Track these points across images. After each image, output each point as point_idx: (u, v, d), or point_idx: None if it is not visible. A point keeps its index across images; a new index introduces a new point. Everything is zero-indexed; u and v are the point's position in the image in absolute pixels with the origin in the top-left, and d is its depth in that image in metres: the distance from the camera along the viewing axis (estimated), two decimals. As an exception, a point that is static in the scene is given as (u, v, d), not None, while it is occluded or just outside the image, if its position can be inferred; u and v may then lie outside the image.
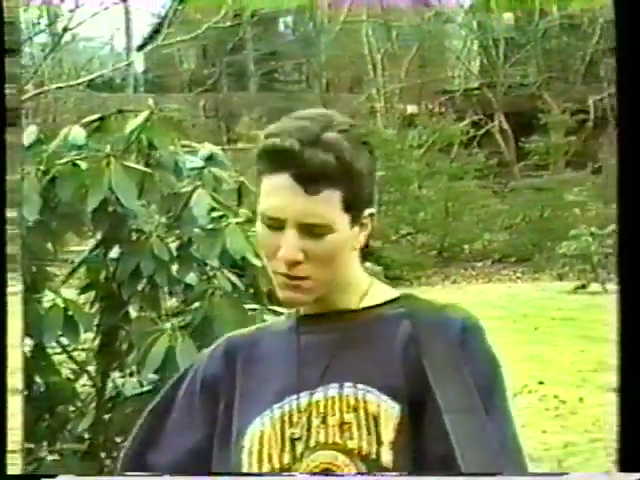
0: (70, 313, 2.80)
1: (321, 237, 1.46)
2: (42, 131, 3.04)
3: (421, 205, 18.78)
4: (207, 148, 3.25)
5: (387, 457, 1.44)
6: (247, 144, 17.02)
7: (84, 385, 3.22)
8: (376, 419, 1.45)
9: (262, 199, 1.48)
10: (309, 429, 1.46)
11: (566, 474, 1.38)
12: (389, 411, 1.45)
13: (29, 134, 2.97)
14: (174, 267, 2.93)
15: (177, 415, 1.59)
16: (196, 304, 2.84)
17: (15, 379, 1.71)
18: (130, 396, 2.99)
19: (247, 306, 2.83)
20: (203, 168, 3.15)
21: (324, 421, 1.46)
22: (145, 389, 2.93)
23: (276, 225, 1.46)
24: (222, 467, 1.52)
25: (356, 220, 1.49)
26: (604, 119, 19.27)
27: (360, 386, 1.47)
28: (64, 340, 3.01)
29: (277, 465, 1.47)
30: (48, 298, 2.84)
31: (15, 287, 1.84)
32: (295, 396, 1.49)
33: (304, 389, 1.49)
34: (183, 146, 3.19)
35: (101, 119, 3.03)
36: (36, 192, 2.79)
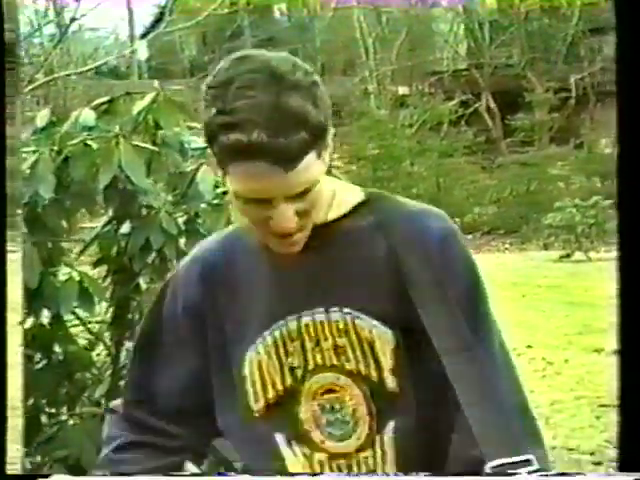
0: (85, 285, 2.81)
1: (306, 194, 1.34)
2: (54, 114, 3.04)
3: (413, 181, 18.80)
4: (210, 128, 3.24)
5: (392, 383, 1.37)
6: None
7: (99, 354, 3.24)
8: (371, 344, 1.38)
9: (236, 183, 1.32)
10: (304, 353, 1.40)
11: (567, 474, 1.30)
12: (383, 336, 1.38)
13: (42, 117, 2.97)
14: (182, 240, 2.93)
15: (167, 344, 1.48)
16: (203, 275, 2.85)
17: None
18: (143, 363, 3.00)
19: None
20: (206, 148, 3.14)
21: (318, 344, 1.40)
22: (156, 356, 2.95)
23: (261, 202, 1.33)
24: (227, 396, 1.44)
25: (323, 150, 1.34)
26: (585, 97, 19.26)
27: (346, 310, 1.39)
28: (80, 312, 3.03)
29: (281, 389, 1.40)
30: (64, 272, 2.85)
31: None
32: (283, 321, 1.40)
33: (289, 312, 1.40)
34: (188, 127, 3.19)
35: (110, 102, 3.02)
36: (50, 172, 2.79)
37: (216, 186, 2.91)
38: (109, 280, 3.08)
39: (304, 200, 1.34)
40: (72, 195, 2.92)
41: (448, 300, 1.36)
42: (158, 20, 18.87)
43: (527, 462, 1.25)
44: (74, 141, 2.86)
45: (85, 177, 2.83)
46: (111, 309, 3.09)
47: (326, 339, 1.39)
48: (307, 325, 1.40)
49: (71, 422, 2.91)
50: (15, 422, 1.73)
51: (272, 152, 1.27)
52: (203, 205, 2.94)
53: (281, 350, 1.41)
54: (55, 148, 2.85)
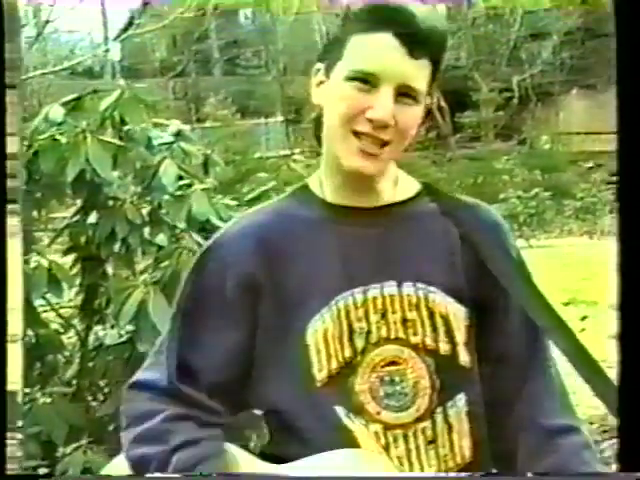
0: (54, 272, 2.79)
1: (410, 105, 1.29)
2: (27, 111, 3.02)
3: (369, 174, 18.82)
4: (175, 125, 3.22)
5: (465, 357, 1.34)
6: (214, 123, 16.91)
7: (70, 337, 3.22)
8: (446, 319, 1.33)
9: (354, 57, 1.28)
10: (368, 324, 1.32)
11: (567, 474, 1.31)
12: (457, 313, 1.34)
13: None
14: (146, 230, 2.94)
15: (211, 314, 1.36)
16: (166, 262, 2.83)
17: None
18: (110, 345, 2.98)
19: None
20: (172, 143, 3.12)
21: (384, 316, 1.33)
22: (123, 339, 2.92)
23: (368, 84, 1.28)
24: (282, 366, 1.34)
25: (427, 101, 1.33)
26: (527, 96, 19.37)
27: (420, 285, 1.33)
28: (51, 298, 3.01)
29: (342, 360, 1.32)
30: (34, 259, 2.83)
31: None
32: (349, 292, 1.32)
33: (354, 285, 1.33)
34: (154, 124, 3.18)
35: (78, 99, 3.00)
36: (22, 165, 2.76)
37: (178, 179, 2.91)
38: (78, 267, 3.06)
39: (406, 107, 1.29)
40: (42, 187, 2.90)
41: (532, 282, 1.35)
42: (130, 23, 18.70)
43: None
44: (43, 136, 2.84)
45: (54, 170, 2.82)
46: (80, 295, 3.08)
47: (394, 312, 1.33)
48: (374, 298, 1.33)
49: (42, 401, 2.87)
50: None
51: (408, 24, 1.26)
52: (166, 196, 2.92)
53: (345, 321, 1.32)
54: (25, 143, 2.82)
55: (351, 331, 1.33)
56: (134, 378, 1.42)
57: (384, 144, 1.30)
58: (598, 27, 18.40)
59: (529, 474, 1.33)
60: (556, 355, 1.40)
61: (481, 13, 19.74)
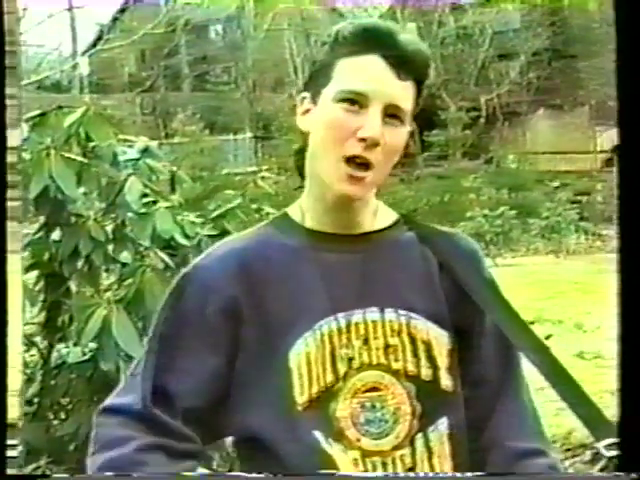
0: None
1: (397, 126, 1.33)
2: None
3: (337, 192, 18.82)
4: (142, 141, 3.21)
5: (447, 382, 1.34)
6: (182, 139, 16.87)
7: (32, 355, 3.18)
8: (427, 345, 1.34)
9: (343, 78, 1.31)
10: (352, 350, 1.33)
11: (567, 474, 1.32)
12: (440, 338, 1.35)
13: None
14: (110, 247, 2.92)
15: (189, 339, 1.34)
16: (130, 280, 2.82)
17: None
18: (73, 363, 2.96)
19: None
20: (138, 159, 3.11)
21: (366, 343, 1.33)
22: (86, 357, 2.90)
23: (357, 104, 1.30)
24: (263, 390, 1.33)
25: (415, 128, 1.38)
26: (494, 116, 19.53)
27: (402, 312, 1.34)
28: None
29: (323, 385, 1.32)
30: (-5, 276, 2.79)
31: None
32: (332, 317, 1.33)
33: (338, 310, 1.33)
34: (121, 140, 3.16)
35: (42, 115, 2.98)
36: (-17, 181, 2.73)
37: (143, 196, 2.89)
38: (41, 284, 3.03)
39: (393, 128, 1.32)
40: (4, 203, 2.86)
41: (509, 306, 1.37)
42: (99, 37, 18.63)
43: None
44: (7, 152, 2.81)
45: (17, 186, 2.79)
46: (43, 312, 3.05)
47: (376, 338, 1.33)
48: (357, 324, 1.34)
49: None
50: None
51: (394, 46, 1.30)
52: (130, 214, 2.91)
53: (328, 346, 1.33)
54: (-12, 158, 2.79)
55: (334, 356, 1.33)
56: (106, 403, 1.39)
57: (369, 167, 1.32)
58: (565, 48, 18.64)
59: (525, 474, 1.35)
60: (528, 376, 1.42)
61: (451, 32, 19.90)
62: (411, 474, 1.32)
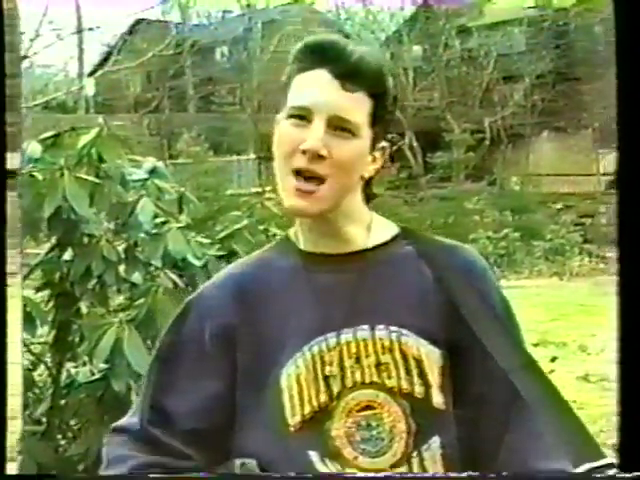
0: (28, 309, 2.77)
1: (346, 138, 1.31)
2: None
3: (341, 213, 18.82)
4: (150, 162, 3.23)
5: (439, 399, 1.33)
6: (187, 159, 16.91)
7: (41, 374, 3.18)
8: (419, 362, 1.32)
9: (292, 95, 1.32)
10: (342, 369, 1.32)
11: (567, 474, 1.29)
12: (431, 355, 1.33)
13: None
14: (121, 267, 2.92)
15: (189, 363, 1.37)
16: (141, 300, 2.83)
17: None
18: (83, 383, 2.96)
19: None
20: (147, 180, 3.12)
21: (358, 361, 1.32)
22: (96, 377, 2.90)
23: (303, 119, 1.30)
24: (260, 412, 1.34)
25: (374, 144, 1.35)
26: (498, 138, 19.58)
27: (393, 328, 1.33)
28: (23, 334, 2.97)
29: (316, 405, 1.32)
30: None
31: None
32: (322, 337, 1.33)
33: (328, 329, 1.33)
34: (129, 160, 3.17)
35: (56, 135, 3.00)
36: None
37: (155, 216, 2.90)
38: (52, 304, 3.04)
39: (342, 140, 1.30)
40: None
41: (502, 323, 1.35)
42: (106, 59, 18.72)
43: (611, 465, 1.23)
44: (21, 172, 2.83)
45: (30, 206, 2.81)
46: (53, 332, 3.05)
47: (368, 356, 1.32)
48: (348, 342, 1.33)
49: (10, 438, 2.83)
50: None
51: (340, 58, 1.30)
52: (142, 234, 2.92)
53: (318, 364, 1.33)
54: None
55: (326, 376, 1.33)
56: (117, 422, 1.43)
57: (321, 181, 1.31)
58: (569, 71, 18.71)
59: (524, 474, 1.33)
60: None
61: (456, 55, 19.98)
62: (410, 474, 1.31)
